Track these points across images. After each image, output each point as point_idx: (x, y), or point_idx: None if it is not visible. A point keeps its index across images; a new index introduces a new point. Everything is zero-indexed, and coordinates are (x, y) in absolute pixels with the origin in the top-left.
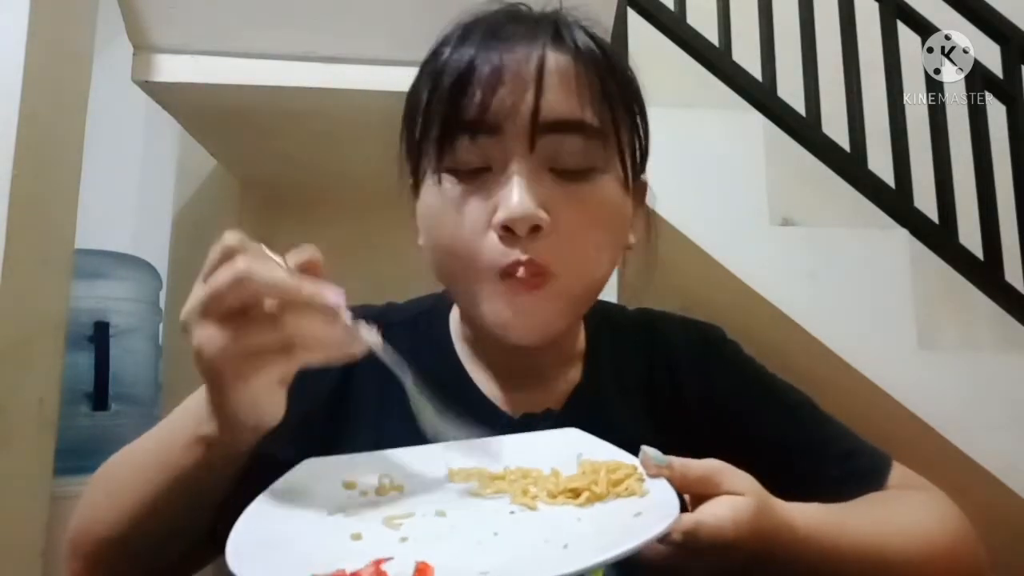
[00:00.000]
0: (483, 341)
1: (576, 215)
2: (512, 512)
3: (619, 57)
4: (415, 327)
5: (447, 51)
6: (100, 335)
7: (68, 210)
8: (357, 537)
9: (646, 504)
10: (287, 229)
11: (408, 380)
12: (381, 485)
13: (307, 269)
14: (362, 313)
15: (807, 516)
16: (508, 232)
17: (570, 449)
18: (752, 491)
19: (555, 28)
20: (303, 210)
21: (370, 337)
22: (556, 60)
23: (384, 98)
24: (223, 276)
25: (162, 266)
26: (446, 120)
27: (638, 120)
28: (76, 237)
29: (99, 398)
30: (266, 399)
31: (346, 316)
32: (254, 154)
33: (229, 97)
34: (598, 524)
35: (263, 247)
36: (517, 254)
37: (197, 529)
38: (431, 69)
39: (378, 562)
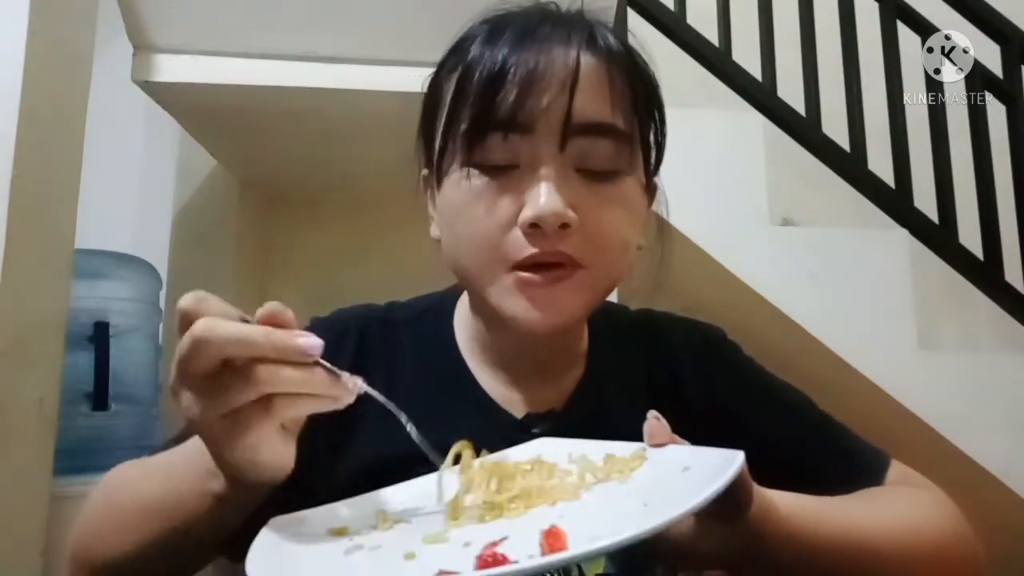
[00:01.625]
0: (492, 335)
1: (602, 215)
2: (555, 505)
3: (645, 61)
4: (419, 325)
5: (476, 47)
6: (100, 335)
7: (68, 210)
8: (411, 556)
9: (686, 456)
10: (287, 229)
11: (405, 419)
12: (382, 518)
13: (274, 323)
14: (364, 312)
15: (787, 500)
16: (535, 229)
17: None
18: None
19: (590, 31)
20: (303, 210)
21: (354, 382)
22: (590, 63)
23: (384, 98)
24: (183, 344)
25: (162, 266)
26: (478, 117)
27: (659, 124)
28: (76, 237)
29: (99, 398)
30: (267, 454)
31: (323, 361)
32: (254, 154)
33: (229, 97)
34: (652, 487)
35: (220, 302)
36: (542, 249)
37: (205, 555)
38: (456, 63)
39: (493, 543)
